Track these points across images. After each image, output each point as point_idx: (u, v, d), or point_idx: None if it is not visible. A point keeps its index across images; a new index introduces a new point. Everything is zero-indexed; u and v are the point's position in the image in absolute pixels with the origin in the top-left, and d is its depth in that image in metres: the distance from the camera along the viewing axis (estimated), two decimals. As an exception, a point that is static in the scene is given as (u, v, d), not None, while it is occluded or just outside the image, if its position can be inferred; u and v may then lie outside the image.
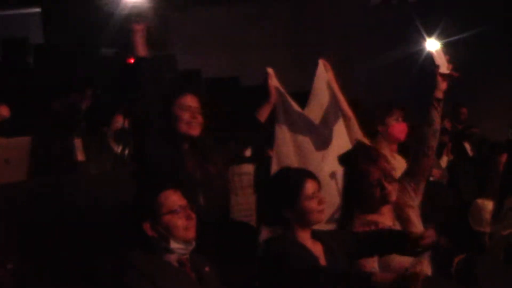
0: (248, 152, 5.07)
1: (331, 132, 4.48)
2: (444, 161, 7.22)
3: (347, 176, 3.85)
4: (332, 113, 4.50)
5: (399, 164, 4.60)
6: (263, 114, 4.36)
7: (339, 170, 4.03)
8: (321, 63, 4.52)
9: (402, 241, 3.49)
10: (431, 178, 5.65)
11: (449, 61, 4.02)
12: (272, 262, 3.36)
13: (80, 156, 4.83)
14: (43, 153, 4.39)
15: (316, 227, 3.51)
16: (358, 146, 4.04)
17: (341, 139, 4.46)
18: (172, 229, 3.28)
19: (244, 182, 5.18)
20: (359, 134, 4.57)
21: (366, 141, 4.55)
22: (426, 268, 3.64)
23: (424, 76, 4.83)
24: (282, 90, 4.40)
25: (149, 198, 3.34)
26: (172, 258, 3.29)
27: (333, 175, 4.31)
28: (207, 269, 3.39)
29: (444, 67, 3.99)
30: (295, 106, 4.43)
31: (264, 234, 3.89)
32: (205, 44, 10.02)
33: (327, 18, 10.78)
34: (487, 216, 4.75)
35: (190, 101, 4.06)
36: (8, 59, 8.41)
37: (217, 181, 4.09)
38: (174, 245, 3.28)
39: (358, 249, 3.54)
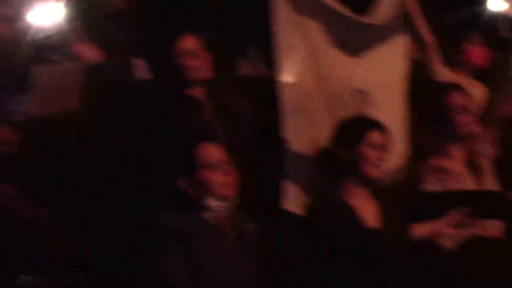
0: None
1: (373, 41, 3.83)
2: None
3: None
4: (389, 27, 3.87)
5: (478, 92, 4.16)
6: None
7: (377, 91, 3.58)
8: None
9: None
10: None
11: None
12: (316, 224, 3.15)
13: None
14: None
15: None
16: None
17: (383, 57, 3.83)
18: (209, 185, 3.06)
19: None
20: (438, 64, 4.09)
21: (446, 74, 4.11)
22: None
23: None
24: None
25: (185, 150, 3.12)
26: (210, 215, 3.08)
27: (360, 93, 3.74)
28: (250, 227, 3.15)
29: None
30: None
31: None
32: None
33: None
34: None
35: (190, 43, 3.59)
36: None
37: (240, 123, 3.66)
38: (212, 202, 3.06)
39: (424, 210, 3.26)
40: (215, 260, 2.98)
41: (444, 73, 4.23)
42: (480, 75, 4.41)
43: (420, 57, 4.13)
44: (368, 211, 3.19)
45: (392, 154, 3.36)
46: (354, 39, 3.79)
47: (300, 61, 3.69)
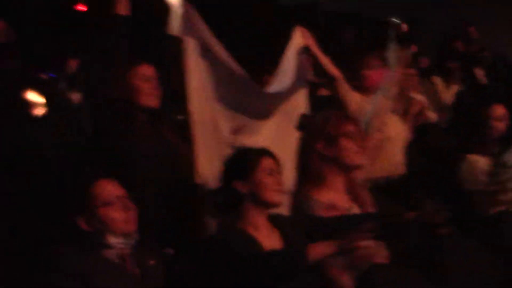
0: None
1: (273, 105, 4.10)
2: (451, 91, 6.72)
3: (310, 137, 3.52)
4: (289, 86, 4.12)
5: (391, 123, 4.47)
6: None
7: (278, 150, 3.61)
8: (298, 30, 4.18)
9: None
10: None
11: None
12: (216, 253, 3.10)
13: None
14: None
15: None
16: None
17: (285, 115, 4.08)
18: (109, 223, 2.98)
19: None
20: (349, 93, 4.32)
21: (358, 98, 4.32)
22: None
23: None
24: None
25: (81, 189, 3.03)
26: (112, 253, 3.00)
27: None
28: (152, 262, 3.09)
29: None
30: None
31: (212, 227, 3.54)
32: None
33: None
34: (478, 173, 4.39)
35: (149, 71, 3.79)
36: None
37: (180, 150, 3.83)
38: (112, 239, 2.99)
39: (322, 235, 3.21)
40: None
41: (355, 99, 4.33)
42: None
43: (331, 92, 4.27)
44: (269, 238, 3.17)
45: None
46: (256, 105, 4.02)
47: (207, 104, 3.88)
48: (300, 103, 4.14)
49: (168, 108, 3.93)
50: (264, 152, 3.29)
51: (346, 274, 3.19)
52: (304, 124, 3.63)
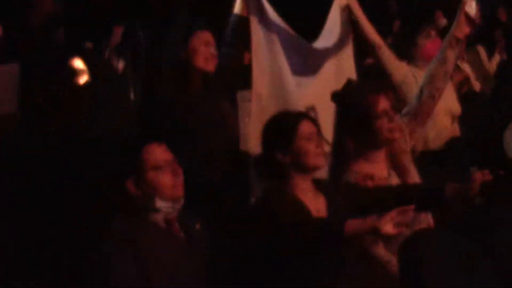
0: None
1: (321, 60, 4.16)
2: (495, 62, 6.65)
3: (343, 112, 3.51)
4: (335, 42, 4.18)
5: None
6: None
7: (322, 107, 3.62)
8: None
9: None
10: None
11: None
12: (264, 218, 3.13)
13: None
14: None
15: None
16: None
17: (332, 73, 4.15)
18: (157, 187, 3.04)
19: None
20: (394, 62, 4.29)
21: (404, 68, 4.29)
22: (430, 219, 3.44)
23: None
24: None
25: (131, 153, 3.09)
26: (159, 217, 3.06)
27: (311, 109, 4.00)
28: (197, 226, 3.18)
29: (471, 8, 3.55)
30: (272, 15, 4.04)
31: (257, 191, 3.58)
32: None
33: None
34: None
35: (208, 36, 3.99)
36: None
37: (231, 120, 4.00)
38: (160, 203, 3.05)
39: (368, 205, 3.21)
40: (165, 262, 2.98)
41: (400, 68, 4.30)
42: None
43: (373, 59, 4.25)
44: (315, 202, 3.20)
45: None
46: (307, 62, 4.13)
47: (266, 78, 3.97)
48: (347, 64, 4.18)
49: (225, 78, 4.06)
50: (301, 116, 3.30)
51: (380, 244, 3.23)
52: (345, 91, 3.61)
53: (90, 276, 2.95)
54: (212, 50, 3.98)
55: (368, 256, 3.30)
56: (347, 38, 4.22)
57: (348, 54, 4.21)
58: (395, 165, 3.51)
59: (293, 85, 4.03)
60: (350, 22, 4.17)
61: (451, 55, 3.60)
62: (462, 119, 4.79)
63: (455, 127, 4.56)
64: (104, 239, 2.98)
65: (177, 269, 2.99)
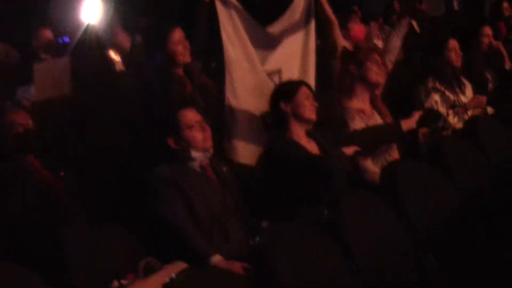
0: None
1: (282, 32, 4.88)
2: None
3: None
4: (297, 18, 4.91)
5: None
6: None
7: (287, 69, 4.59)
8: None
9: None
10: None
11: None
12: (272, 159, 4.07)
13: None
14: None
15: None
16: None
17: (299, 44, 4.91)
18: (192, 141, 3.85)
19: None
20: (340, 39, 5.13)
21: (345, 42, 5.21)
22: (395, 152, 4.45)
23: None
24: None
25: (170, 117, 3.93)
26: (195, 164, 3.85)
27: (277, 73, 4.81)
28: (224, 169, 4.02)
29: None
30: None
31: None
32: None
33: None
34: None
35: (179, 34, 4.62)
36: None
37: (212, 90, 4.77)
38: (195, 153, 3.84)
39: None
40: (204, 199, 3.75)
41: (344, 44, 5.24)
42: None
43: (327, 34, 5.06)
44: (309, 145, 4.14)
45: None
46: (269, 39, 4.89)
47: (236, 49, 4.74)
48: (311, 39, 4.90)
49: (201, 58, 4.82)
50: (302, 83, 4.32)
51: (369, 160, 4.28)
52: None
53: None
54: (184, 44, 4.57)
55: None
56: (311, 15, 4.92)
57: (312, 29, 4.92)
58: (376, 106, 4.54)
59: (255, 55, 4.81)
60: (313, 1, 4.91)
61: None
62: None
63: None
64: (149, 182, 3.78)
65: (212, 202, 3.79)
